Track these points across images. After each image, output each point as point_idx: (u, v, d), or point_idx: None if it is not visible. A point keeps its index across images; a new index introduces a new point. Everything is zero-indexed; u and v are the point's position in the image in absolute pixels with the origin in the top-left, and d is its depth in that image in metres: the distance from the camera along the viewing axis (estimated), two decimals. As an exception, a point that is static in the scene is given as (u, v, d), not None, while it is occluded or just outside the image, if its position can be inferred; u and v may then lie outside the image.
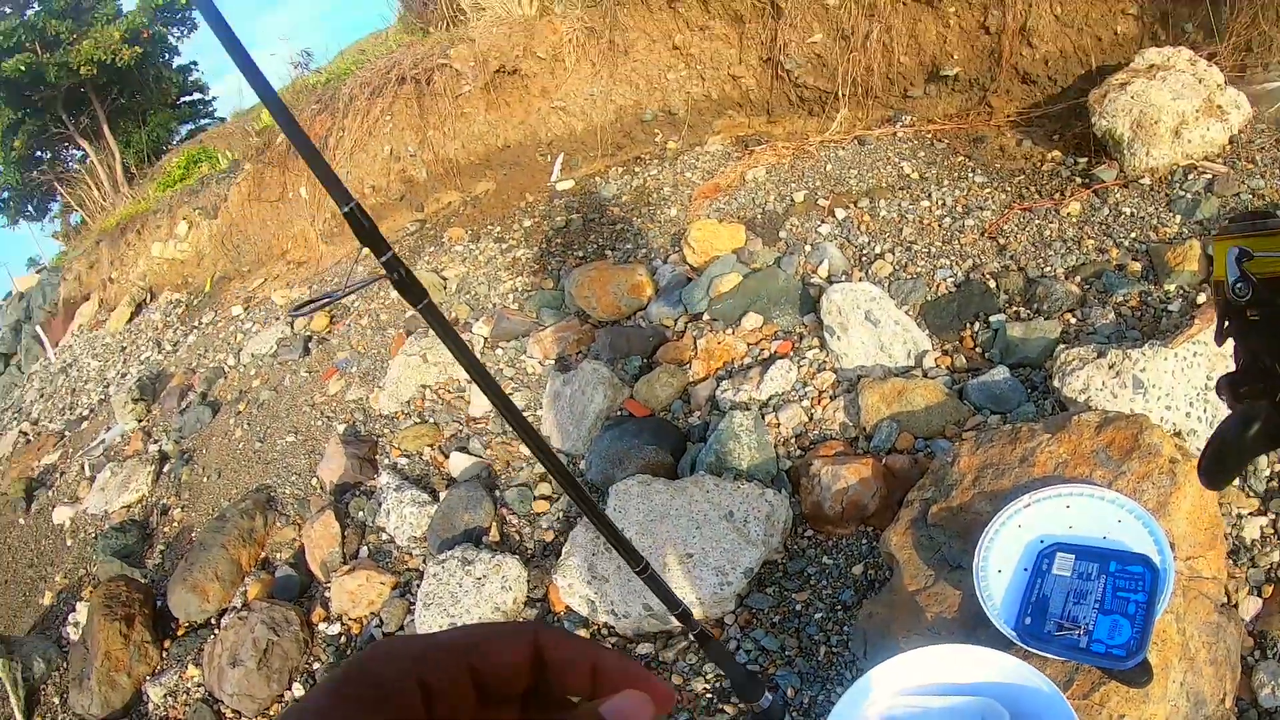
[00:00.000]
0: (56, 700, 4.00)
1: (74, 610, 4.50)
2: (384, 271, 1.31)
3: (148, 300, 12.86)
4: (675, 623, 2.12)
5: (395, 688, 0.39)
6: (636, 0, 6.15)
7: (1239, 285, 0.88)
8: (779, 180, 4.79)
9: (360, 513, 3.79)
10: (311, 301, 1.39)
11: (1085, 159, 3.89)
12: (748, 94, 5.86)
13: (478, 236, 6.21)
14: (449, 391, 4.37)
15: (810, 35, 5.34)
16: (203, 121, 24.73)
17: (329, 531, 3.69)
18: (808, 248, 4.03)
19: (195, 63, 24.85)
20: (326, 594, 3.48)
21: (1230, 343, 0.95)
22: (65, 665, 4.17)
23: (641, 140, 6.23)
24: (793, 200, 4.52)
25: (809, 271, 3.84)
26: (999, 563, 1.70)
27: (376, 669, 0.40)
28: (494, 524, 3.34)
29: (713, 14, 5.84)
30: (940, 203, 4.02)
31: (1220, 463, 0.93)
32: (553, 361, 4.14)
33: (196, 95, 25.13)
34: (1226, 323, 0.93)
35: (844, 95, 5.26)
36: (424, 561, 3.39)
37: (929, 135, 4.73)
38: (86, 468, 6.63)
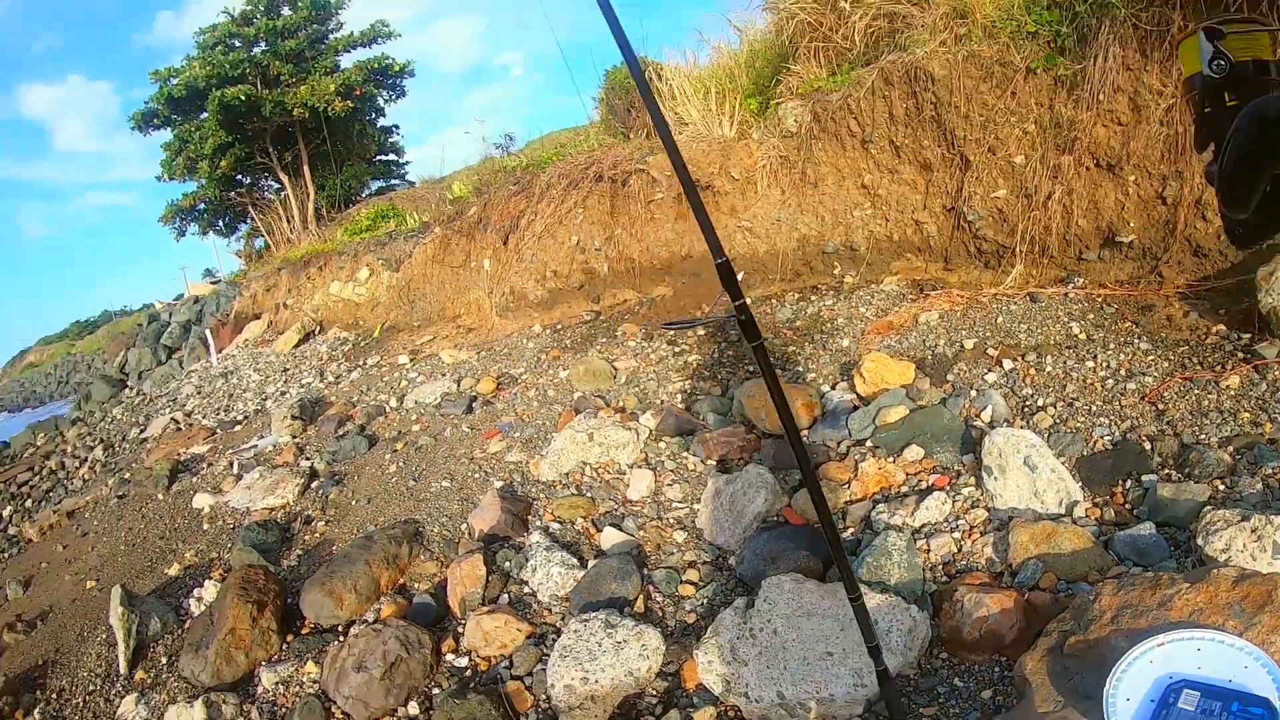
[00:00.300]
0: (164, 660, 4.28)
1: (201, 586, 4.86)
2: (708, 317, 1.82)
3: (317, 331, 13.89)
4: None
5: None
6: (831, 136, 6.57)
7: (1216, 62, 0.89)
8: (950, 326, 5.05)
9: (507, 563, 4.03)
10: (680, 323, 1.90)
11: (1249, 335, 4.03)
12: (928, 239, 6.13)
13: (651, 336, 6.60)
14: (609, 471, 4.69)
15: (994, 190, 5.63)
16: (393, 181, 26.54)
17: (475, 573, 3.93)
18: (973, 392, 4.27)
19: (397, 126, 26.82)
20: (460, 629, 3.70)
21: (1209, 153, 0.98)
22: (180, 631, 4.48)
23: (820, 271, 6.54)
24: (963, 346, 4.77)
25: (973, 414, 4.08)
26: (1128, 692, 1.93)
27: None
28: (640, 597, 3.58)
29: (903, 159, 6.20)
30: (1105, 365, 4.20)
31: (1232, 190, 0.93)
32: (714, 462, 4.46)
33: (392, 156, 27.03)
34: (1204, 121, 0.95)
35: (1021, 251, 5.48)
36: (562, 619, 3.63)
37: (1099, 298, 4.90)
38: (235, 466, 7.27)
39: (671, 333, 6.07)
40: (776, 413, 1.93)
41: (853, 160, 6.52)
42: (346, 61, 23.39)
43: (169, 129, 24.02)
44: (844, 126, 6.50)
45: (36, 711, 4.16)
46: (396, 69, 23.45)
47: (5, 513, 9.77)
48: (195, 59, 22.61)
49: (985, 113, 5.60)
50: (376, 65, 23.02)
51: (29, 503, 10.08)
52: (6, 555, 7.81)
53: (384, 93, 24.18)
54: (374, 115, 24.94)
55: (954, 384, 4.45)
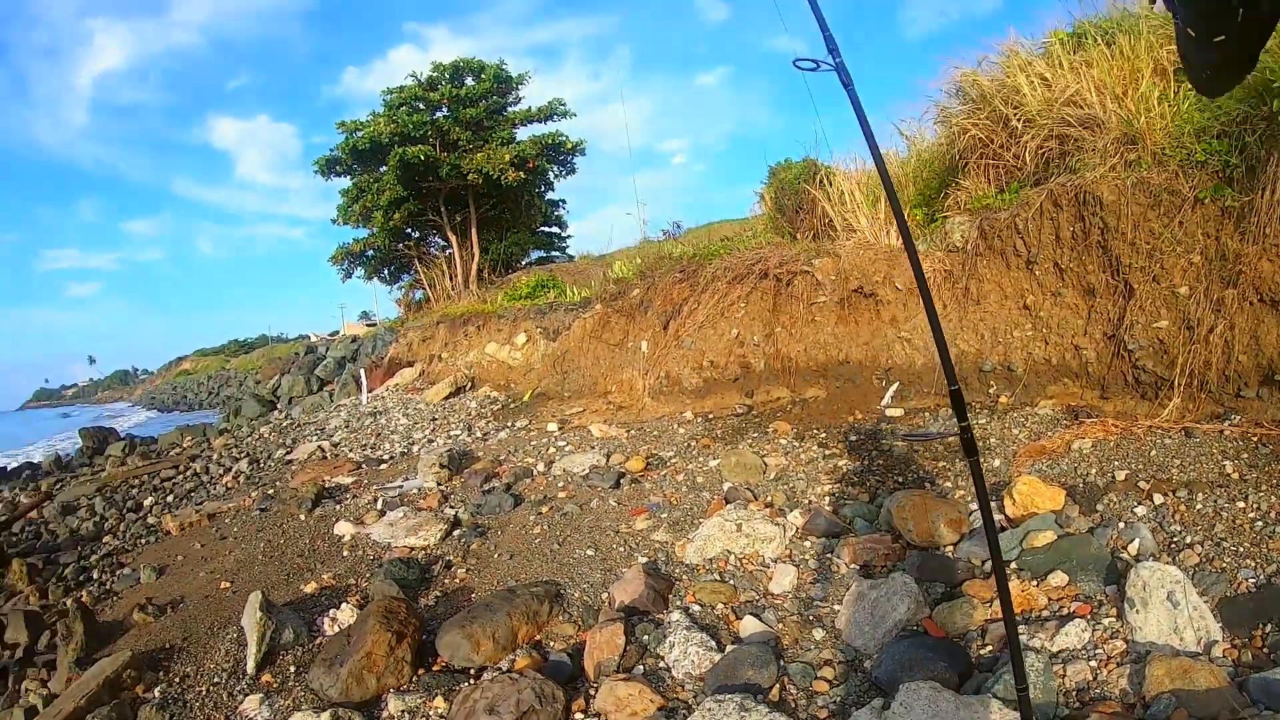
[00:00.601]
0: (291, 668, 4.58)
1: (337, 608, 5.20)
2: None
3: (468, 387, 14.69)
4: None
5: None
6: (996, 254, 6.75)
7: None
8: (1103, 455, 5.11)
9: (645, 636, 4.21)
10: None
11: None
12: (1086, 365, 6.17)
13: (802, 436, 6.83)
14: (753, 563, 4.93)
15: (1156, 320, 5.65)
16: (554, 252, 27.81)
17: (614, 640, 4.11)
18: (1121, 524, 4.35)
19: (564, 201, 28.16)
20: (592, 691, 3.84)
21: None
22: (310, 645, 4.81)
23: (975, 388, 6.63)
24: (1114, 477, 4.83)
25: (1119, 546, 4.17)
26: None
27: None
28: (775, 687, 3.75)
29: (1067, 282, 6.31)
30: (1256, 506, 4.19)
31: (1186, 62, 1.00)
32: (858, 566, 4.65)
33: (555, 228, 28.40)
34: None
35: (1179, 384, 5.44)
36: (695, 696, 3.81)
37: (1255, 438, 4.85)
38: (379, 502, 7.85)
39: (906, 442, 6.11)
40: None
41: (1016, 280, 6.66)
42: (523, 134, 24.70)
43: (349, 177, 25.92)
44: (1010, 245, 6.66)
45: (157, 690, 4.54)
46: (569, 147, 24.70)
47: (147, 502, 10.74)
48: (381, 116, 24.30)
49: (1151, 240, 5.66)
50: (551, 141, 24.29)
51: (170, 498, 11.00)
52: (144, 542, 8.54)
53: (555, 167, 25.49)
54: (543, 188, 26.32)
55: (1103, 514, 4.52)
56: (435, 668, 4.39)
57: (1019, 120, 7.02)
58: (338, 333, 59.31)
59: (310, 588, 5.80)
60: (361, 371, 20.08)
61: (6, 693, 5.20)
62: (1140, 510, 4.45)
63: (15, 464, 21.80)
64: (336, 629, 4.95)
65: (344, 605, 5.22)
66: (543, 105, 25.28)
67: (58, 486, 13.80)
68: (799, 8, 2.45)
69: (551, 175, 26.14)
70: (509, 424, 11.01)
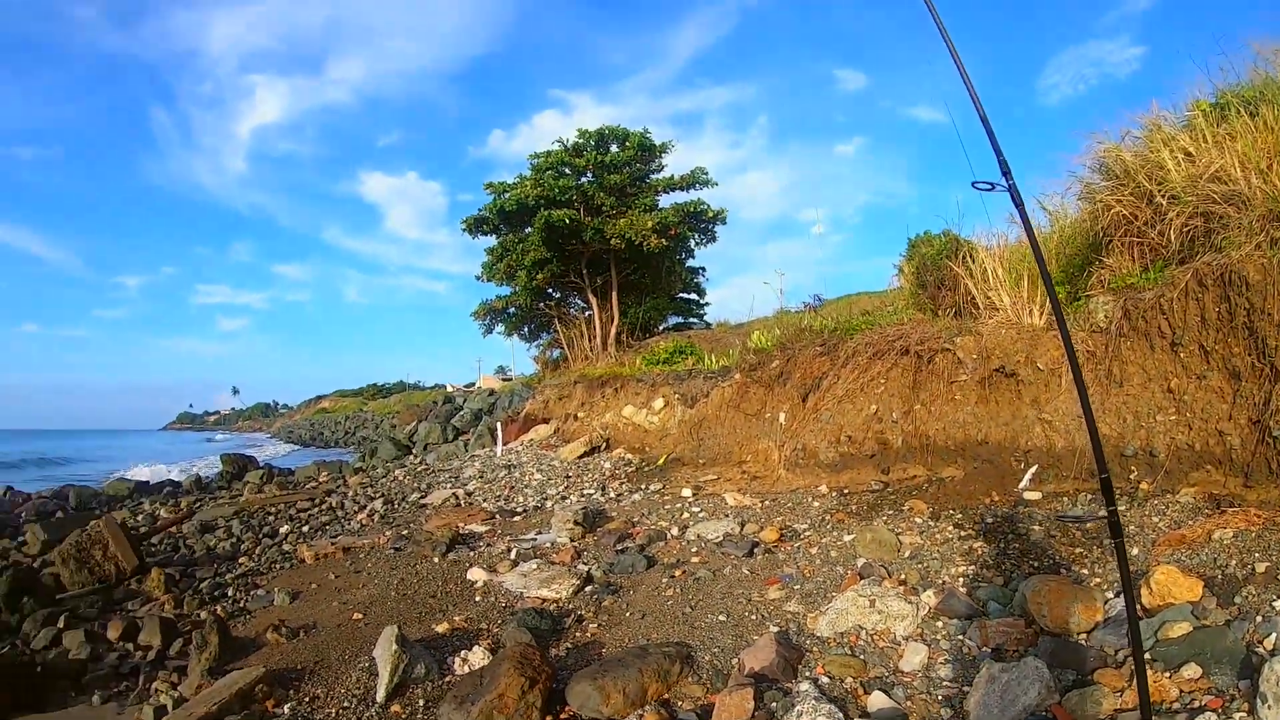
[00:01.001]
0: (420, 702, 4.86)
1: (469, 649, 5.49)
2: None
3: (603, 447, 15.09)
4: None
5: None
6: (1140, 335, 6.69)
7: None
8: (1244, 546, 4.99)
9: (774, 704, 4.31)
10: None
11: None
12: (1230, 452, 5.97)
13: (938, 515, 6.91)
14: (884, 639, 5.02)
15: None
16: (691, 319, 28.30)
17: (743, 705, 4.22)
18: (1259, 618, 4.25)
19: (704, 269, 28.73)
20: None
21: None
22: (440, 681, 5.09)
23: (1116, 473, 6.49)
24: (1254, 569, 4.74)
25: (1255, 640, 4.09)
26: None
27: None
28: None
29: (1212, 364, 6.19)
30: None
31: None
32: (989, 649, 4.71)
33: (693, 295, 28.89)
34: None
35: None
36: None
37: None
38: (513, 552, 8.27)
39: (1069, 522, 6.07)
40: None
41: (1160, 362, 6.56)
42: (665, 201, 25.34)
43: (495, 236, 27.01)
44: (1154, 326, 6.58)
45: (287, 706, 4.94)
46: (710, 215, 25.23)
47: (283, 530, 11.51)
48: (528, 179, 25.30)
49: (1299, 322, 5.51)
50: (693, 209, 24.87)
51: (305, 528, 11.71)
52: (279, 567, 9.22)
53: (696, 235, 26.02)
54: (684, 255, 26.86)
55: (1240, 607, 4.45)
56: (563, 716, 4.58)
57: (1163, 196, 6.99)
58: (474, 384, 61.09)
59: (442, 628, 6.15)
60: (498, 425, 20.84)
61: (137, 689, 5.74)
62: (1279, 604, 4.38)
63: (157, 480, 23.60)
64: (467, 669, 5.26)
65: (475, 648, 5.51)
66: (685, 174, 25.92)
67: (197, 505, 14.96)
68: (937, 78, 2.78)
69: (692, 243, 26.68)
70: (642, 486, 11.34)
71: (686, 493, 10.09)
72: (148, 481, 23.32)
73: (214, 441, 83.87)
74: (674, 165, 26.77)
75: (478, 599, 6.92)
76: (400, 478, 17.10)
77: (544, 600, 6.68)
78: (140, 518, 14.10)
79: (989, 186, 2.71)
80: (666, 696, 4.69)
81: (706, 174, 25.75)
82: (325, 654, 5.81)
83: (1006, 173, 2.69)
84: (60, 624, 7.07)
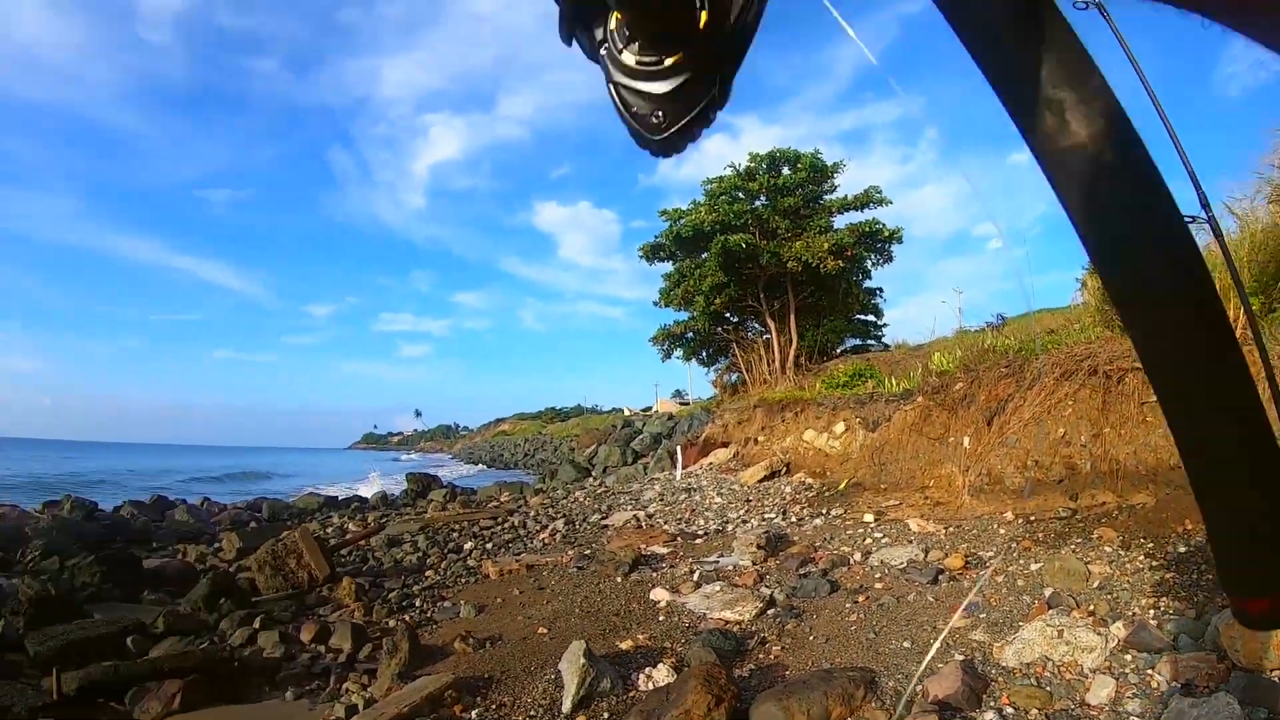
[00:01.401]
0: (604, 715, 5.01)
1: (654, 666, 5.64)
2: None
3: (783, 472, 15.17)
4: None
5: None
6: None
7: None
8: None
9: None
10: None
11: None
12: None
13: (1128, 544, 6.73)
14: (1071, 671, 4.96)
15: None
16: (869, 341, 28.03)
17: None
18: None
19: (881, 289, 28.44)
20: None
21: None
22: (624, 696, 5.27)
23: None
24: None
25: None
26: None
27: None
28: None
29: None
30: None
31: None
32: (1179, 684, 4.60)
33: (871, 317, 28.61)
34: None
35: None
36: None
37: None
38: (695, 574, 8.47)
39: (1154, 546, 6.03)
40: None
41: None
42: (839, 222, 25.28)
43: (671, 262, 27.59)
44: None
45: (474, 712, 5.21)
46: (885, 235, 24.98)
47: (467, 546, 12.18)
48: (702, 205, 25.82)
49: None
50: (868, 229, 24.71)
51: (489, 545, 12.34)
52: (463, 581, 9.77)
53: (872, 256, 25.77)
54: (860, 276, 26.64)
55: None
56: None
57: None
58: (650, 409, 61.99)
59: (626, 645, 6.36)
60: (677, 448, 21.17)
61: (328, 689, 6.23)
62: None
63: (345, 496, 25.22)
64: (651, 685, 5.42)
65: (660, 665, 5.69)
66: (859, 193, 25.82)
67: (383, 520, 15.96)
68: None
69: (869, 263, 26.47)
70: (824, 511, 11.38)
71: (868, 518, 10.09)
72: (336, 497, 24.99)
73: (399, 461, 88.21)
74: (846, 185, 26.75)
75: (661, 618, 7.14)
76: (581, 499, 17.77)
77: (727, 622, 6.82)
78: (329, 530, 15.26)
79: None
80: None
81: (880, 192, 25.63)
82: (510, 665, 6.12)
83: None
84: (256, 624, 7.79)
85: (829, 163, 26.06)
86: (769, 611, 6.97)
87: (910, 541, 8.54)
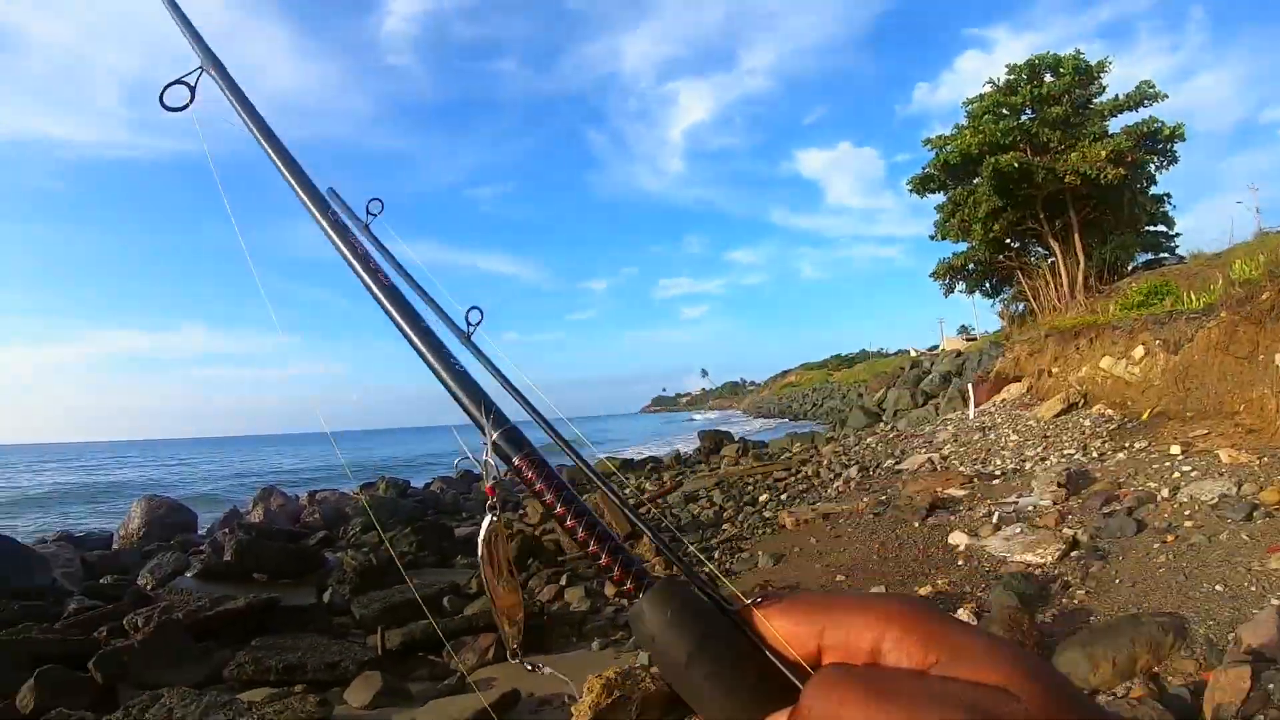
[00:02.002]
0: None
1: (954, 612, 5.61)
2: None
3: (1081, 404, 14.52)
4: None
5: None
6: None
7: None
8: None
9: (1271, 685, 3.95)
10: None
11: None
12: None
13: None
14: None
15: None
16: (1162, 254, 25.90)
17: (1238, 685, 3.93)
18: None
19: (1168, 195, 26.08)
20: None
21: None
22: None
23: None
24: None
25: None
26: None
27: None
28: None
29: None
30: None
31: None
32: None
33: (1161, 227, 26.44)
34: None
35: None
36: None
37: None
38: (995, 516, 8.37)
39: None
40: None
41: None
42: (1114, 126, 23.51)
43: (943, 192, 26.86)
44: None
45: None
46: (1166, 133, 22.90)
47: (762, 498, 12.65)
48: (966, 128, 24.90)
49: None
50: (1146, 130, 22.79)
51: (783, 496, 12.77)
52: (760, 532, 10.22)
53: (1154, 159, 23.71)
54: (1145, 184, 24.62)
55: None
56: None
57: None
58: (936, 347, 60.27)
59: (925, 590, 6.50)
60: (969, 386, 20.63)
61: (632, 638, 6.63)
62: None
63: (639, 457, 26.37)
64: None
65: (960, 611, 5.80)
66: (1130, 92, 23.92)
67: (678, 479, 16.64)
68: None
69: (1151, 168, 24.44)
70: (1126, 444, 10.85)
71: (1175, 450, 9.52)
72: (630, 459, 26.27)
73: (693, 421, 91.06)
74: (1115, 85, 24.52)
75: (960, 563, 7.20)
76: (872, 445, 17.85)
77: (1028, 565, 6.77)
78: (627, 491, 16.07)
79: None
80: (1156, 670, 4.56)
81: (1154, 87, 23.46)
82: None
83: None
84: (563, 581, 8.69)
85: (1092, 62, 24.26)
86: (1072, 553, 6.87)
87: (1221, 474, 8.03)
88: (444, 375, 0.68)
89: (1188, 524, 6.99)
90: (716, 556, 9.12)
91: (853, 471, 13.89)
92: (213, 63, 0.84)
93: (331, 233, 0.67)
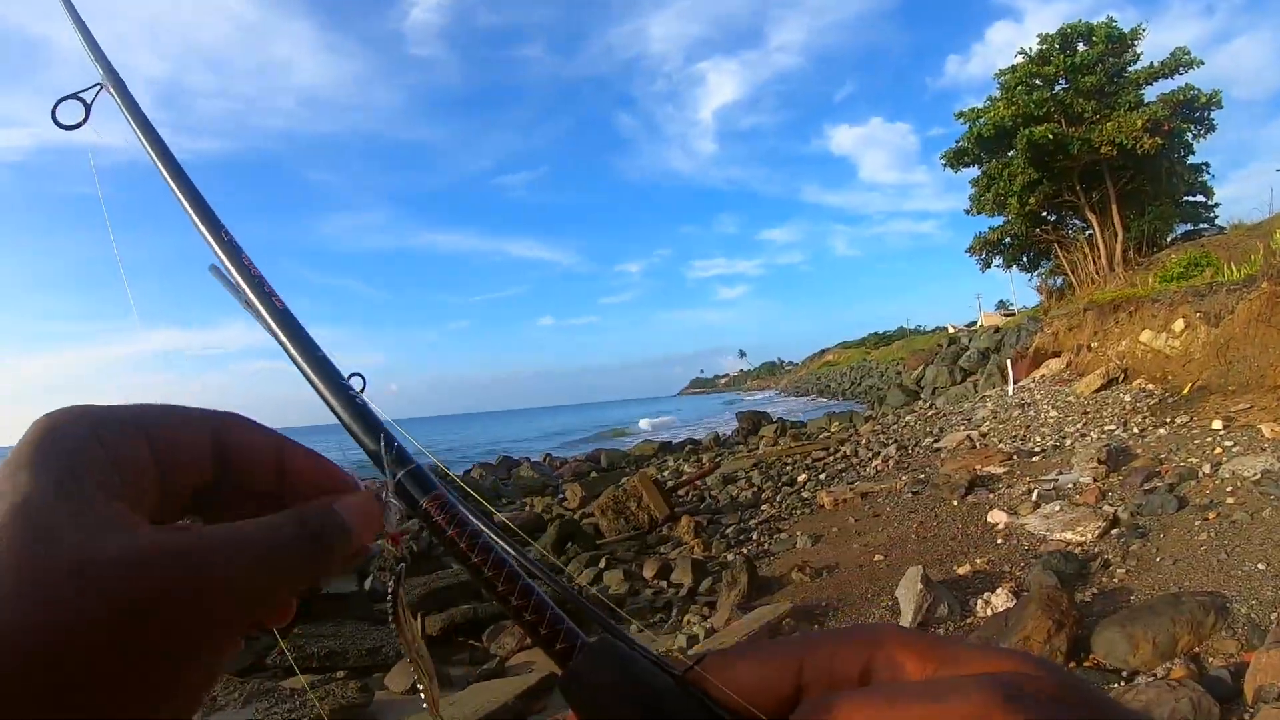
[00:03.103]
0: None
1: (992, 592, 5.67)
2: None
3: (1120, 379, 14.35)
4: None
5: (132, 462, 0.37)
6: None
7: None
8: None
9: None
10: None
11: None
12: None
13: None
14: None
15: None
16: (1201, 225, 25.46)
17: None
18: None
19: (1207, 164, 25.59)
20: (1246, 715, 3.70)
21: None
22: (961, 622, 5.36)
23: None
24: None
25: None
26: None
27: (113, 442, 0.37)
28: None
29: None
30: None
31: None
32: None
33: (1200, 197, 25.95)
34: None
35: None
36: None
37: None
38: (1034, 494, 8.29)
39: None
40: None
41: None
42: (1149, 94, 23.13)
43: (977, 166, 26.50)
44: None
45: None
46: (1203, 101, 22.50)
47: (800, 478, 12.62)
48: (999, 100, 24.59)
49: None
50: (1182, 98, 22.41)
51: (822, 475, 12.74)
52: (798, 512, 10.21)
53: (1191, 128, 23.29)
54: (1182, 153, 24.22)
55: None
56: (1087, 664, 4.54)
57: None
58: (974, 323, 59.85)
59: (963, 570, 6.46)
60: (1008, 362, 20.46)
61: (670, 620, 6.82)
62: None
63: (679, 439, 26.42)
64: (989, 612, 5.48)
65: (998, 590, 5.75)
66: (1165, 60, 23.47)
67: (716, 460, 16.69)
68: None
69: (1189, 136, 23.90)
70: (1167, 420, 10.69)
71: (1216, 425, 9.40)
72: (670, 441, 26.40)
73: (733, 404, 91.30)
74: (1149, 52, 24.07)
75: (999, 541, 7.13)
76: (911, 423, 17.81)
77: (1068, 543, 6.70)
78: (665, 474, 16.25)
79: None
80: (1197, 650, 4.47)
81: (1189, 53, 23.00)
82: (847, 592, 6.40)
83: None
84: (602, 564, 8.73)
85: (1125, 30, 23.87)
86: (1112, 531, 6.79)
87: (1264, 449, 7.92)
88: (338, 409, 0.58)
89: (1229, 501, 6.89)
90: (755, 538, 9.16)
91: (891, 450, 13.88)
92: (113, 79, 0.79)
93: (222, 254, 0.66)
